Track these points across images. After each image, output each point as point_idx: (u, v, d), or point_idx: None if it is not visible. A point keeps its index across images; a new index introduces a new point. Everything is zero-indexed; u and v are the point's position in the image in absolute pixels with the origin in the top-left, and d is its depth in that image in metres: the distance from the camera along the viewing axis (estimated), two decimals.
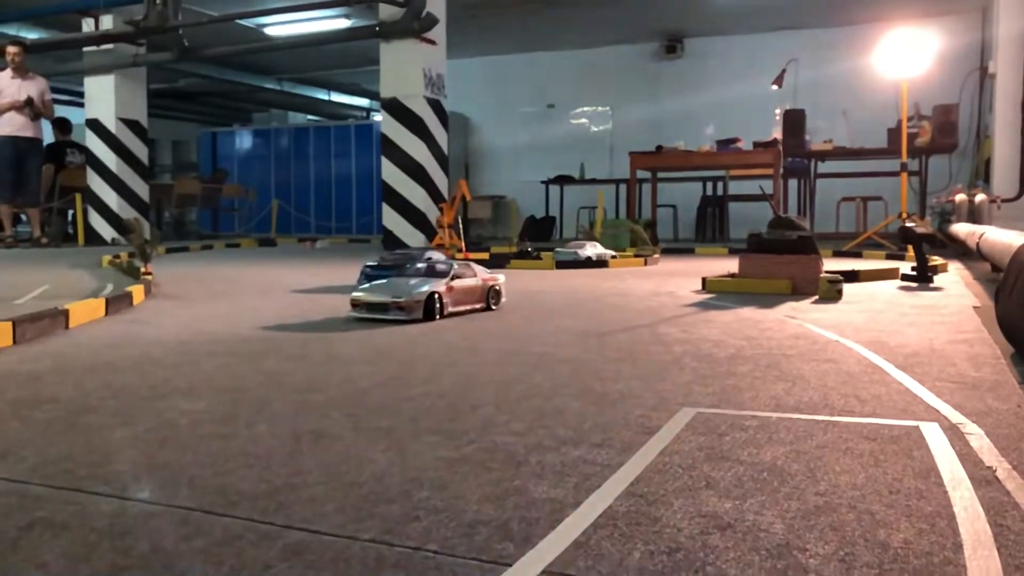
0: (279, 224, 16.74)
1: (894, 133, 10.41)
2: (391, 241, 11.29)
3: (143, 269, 5.63)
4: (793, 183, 12.70)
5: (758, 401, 2.16)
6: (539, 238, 13.31)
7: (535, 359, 2.73)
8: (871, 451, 1.69)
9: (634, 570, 1.11)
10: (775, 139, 11.13)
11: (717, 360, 2.75)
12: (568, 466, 1.57)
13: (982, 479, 1.50)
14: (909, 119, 9.85)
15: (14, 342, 3.11)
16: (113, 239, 13.36)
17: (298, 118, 22.74)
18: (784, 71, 11.65)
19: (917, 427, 1.89)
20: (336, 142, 19.13)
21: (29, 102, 11.44)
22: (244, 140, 20.19)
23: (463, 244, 8.81)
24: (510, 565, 1.12)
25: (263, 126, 21.07)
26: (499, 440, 1.77)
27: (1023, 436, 1.81)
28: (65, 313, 3.52)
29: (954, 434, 1.82)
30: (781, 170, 11.09)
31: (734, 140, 11.20)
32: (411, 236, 11.20)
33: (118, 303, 4.16)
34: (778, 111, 11.96)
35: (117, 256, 8.10)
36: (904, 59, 8.63)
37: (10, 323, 3.10)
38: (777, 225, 5.25)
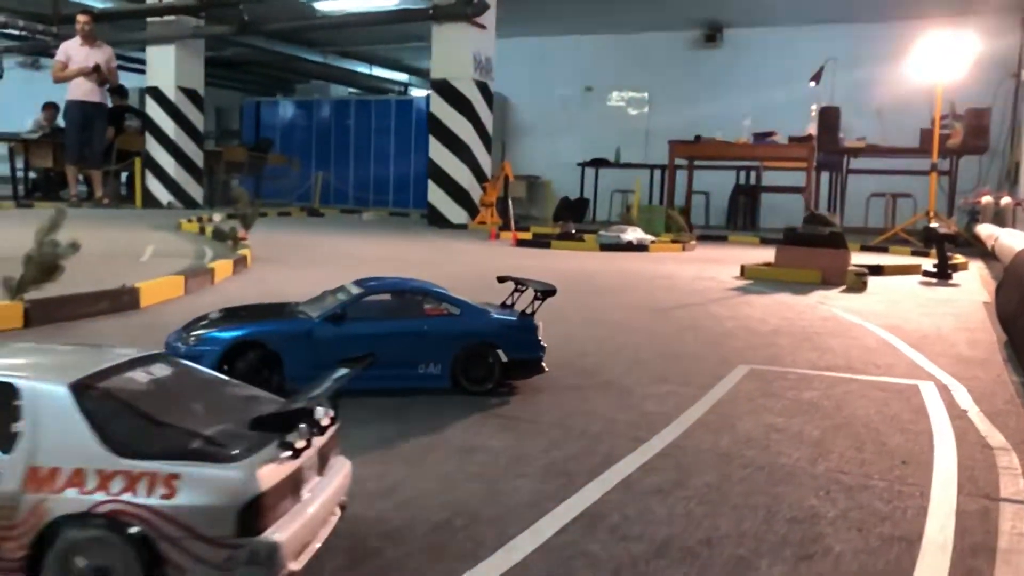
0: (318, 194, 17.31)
1: (927, 133, 10.80)
2: (435, 217, 11.90)
3: (240, 235, 6.29)
4: (825, 176, 13.13)
5: (797, 363, 2.81)
6: (572, 220, 13.84)
7: (615, 326, 3.39)
8: (881, 397, 2.34)
9: (723, 447, 1.78)
10: (810, 135, 11.57)
11: (762, 333, 3.40)
12: (664, 396, 2.25)
13: (956, 415, 2.15)
14: (943, 118, 10.19)
15: (185, 292, 3.81)
16: (169, 203, 14.02)
17: (338, 90, 23.27)
18: (822, 68, 12.06)
19: (916, 385, 2.53)
20: (376, 116, 19.64)
21: (96, 69, 12.05)
22: (287, 110, 20.78)
23: (512, 223, 9.38)
24: (647, 441, 1.80)
25: (306, 97, 21.62)
26: (608, 378, 2.44)
27: (995, 393, 2.45)
28: (212, 271, 4.22)
29: (943, 391, 2.47)
30: (814, 164, 11.55)
31: (770, 133, 11.66)
32: (455, 213, 11.80)
33: (239, 265, 4.86)
34: (814, 107, 12.35)
35: (197, 219, 8.78)
36: (940, 62, 9.01)
37: (183, 277, 3.80)
38: (811, 220, 5.83)
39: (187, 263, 4.98)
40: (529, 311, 2.37)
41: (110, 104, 14.73)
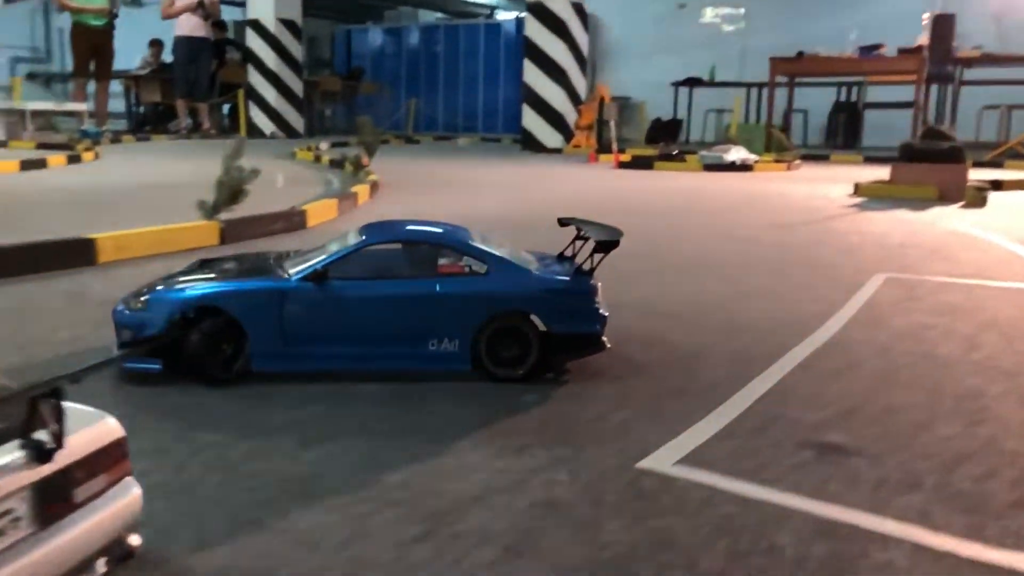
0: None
1: None
2: (530, 142, 12.01)
3: (363, 162, 6.66)
4: (933, 89, 12.49)
5: (931, 271, 2.98)
6: (666, 140, 13.68)
7: (744, 241, 3.59)
8: (1019, 300, 2.50)
9: (882, 340, 2.03)
10: (920, 46, 11.00)
11: (890, 246, 3.53)
12: (815, 298, 2.48)
13: None
14: None
15: (338, 214, 4.20)
16: (272, 132, 14.56)
17: (426, 16, 23.21)
18: None
19: None
20: (465, 41, 19.60)
21: (201, 4, 12.52)
22: (376, 38, 20.97)
23: (615, 145, 9.41)
24: (811, 335, 2.07)
25: (395, 24, 21.71)
26: (757, 284, 2.69)
27: None
28: (355, 195, 4.60)
29: None
30: (924, 77, 11.02)
31: (877, 46, 11.13)
32: (550, 137, 11.89)
33: (373, 189, 5.23)
34: (926, 16, 11.68)
35: (308, 148, 9.22)
36: None
37: (336, 200, 4.19)
38: (928, 135, 5.74)
39: (320, 189, 5.37)
40: (587, 267, 1.77)
41: (213, 38, 15.22)
